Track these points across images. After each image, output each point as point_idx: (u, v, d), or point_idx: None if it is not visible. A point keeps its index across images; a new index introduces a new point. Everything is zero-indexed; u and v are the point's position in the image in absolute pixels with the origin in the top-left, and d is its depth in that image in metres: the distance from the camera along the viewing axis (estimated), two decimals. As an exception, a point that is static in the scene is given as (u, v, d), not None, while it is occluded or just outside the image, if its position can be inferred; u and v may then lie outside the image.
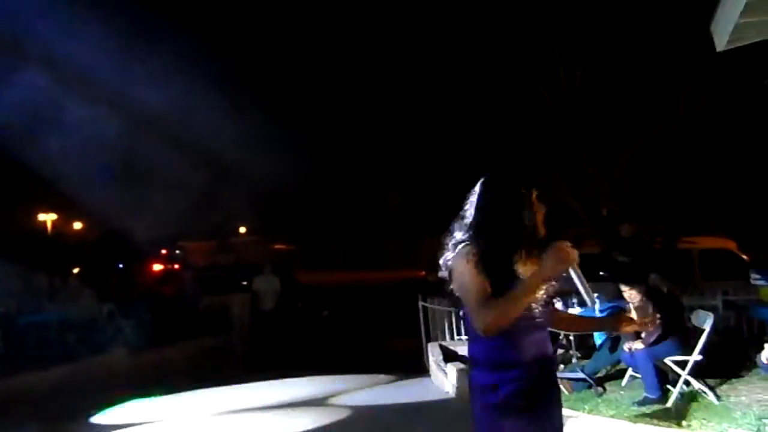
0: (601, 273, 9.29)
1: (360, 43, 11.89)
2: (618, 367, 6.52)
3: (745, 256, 9.80)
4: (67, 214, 28.34)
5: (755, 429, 4.47)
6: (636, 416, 5.10)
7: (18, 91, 11.40)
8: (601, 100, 9.69)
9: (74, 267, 14.16)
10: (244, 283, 13.00)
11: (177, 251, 31.18)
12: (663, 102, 9.60)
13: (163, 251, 28.51)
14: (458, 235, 2.16)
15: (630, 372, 6.06)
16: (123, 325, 10.22)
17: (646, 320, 2.43)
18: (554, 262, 2.02)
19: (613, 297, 7.17)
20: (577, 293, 2.15)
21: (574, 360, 6.70)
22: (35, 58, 11.64)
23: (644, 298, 5.73)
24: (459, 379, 6.49)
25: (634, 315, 2.48)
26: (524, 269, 2.11)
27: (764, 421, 4.63)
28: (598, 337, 6.16)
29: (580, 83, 9.78)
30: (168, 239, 29.60)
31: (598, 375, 6.31)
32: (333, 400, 6.85)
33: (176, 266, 26.81)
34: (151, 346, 10.05)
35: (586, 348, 6.89)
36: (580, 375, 6.14)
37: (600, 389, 5.93)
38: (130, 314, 10.45)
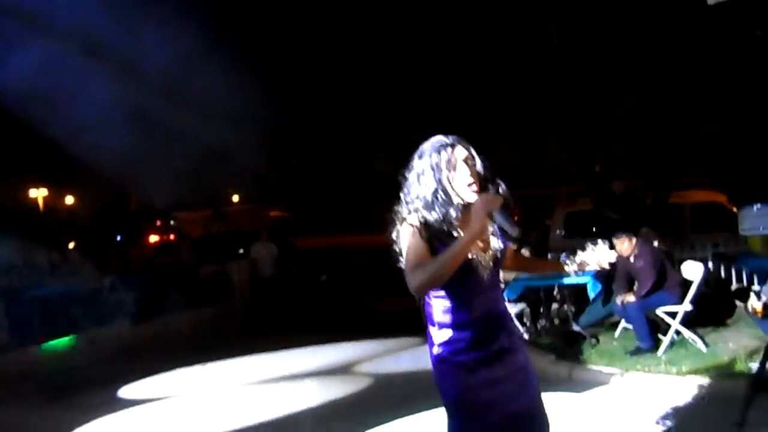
0: (594, 229, 9.46)
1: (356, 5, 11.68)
2: (611, 320, 6.74)
3: (735, 209, 9.96)
4: (57, 188, 28.22)
5: (743, 373, 4.68)
6: (628, 365, 5.31)
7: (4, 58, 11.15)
8: (594, 57, 9.67)
9: (71, 240, 14.20)
10: (241, 251, 13.13)
11: (171, 222, 31.21)
12: (655, 58, 9.59)
13: (158, 222, 28.51)
14: (401, 207, 2.25)
15: (623, 324, 6.26)
16: (125, 297, 10.35)
17: (601, 261, 2.48)
18: (476, 216, 2.07)
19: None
20: (505, 232, 2.22)
21: (568, 314, 6.89)
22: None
23: (636, 251, 5.88)
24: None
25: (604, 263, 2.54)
26: (461, 229, 2.18)
27: (750, 365, 4.84)
28: (592, 291, 6.34)
29: (572, 40, 9.74)
30: (162, 210, 29.59)
31: (592, 327, 6.53)
32: (355, 368, 6.69)
33: (171, 237, 26.93)
34: (153, 317, 10.19)
35: (580, 302, 7.08)
36: (575, 328, 6.35)
37: (594, 341, 6.13)
38: (131, 285, 10.57)
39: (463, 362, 2.17)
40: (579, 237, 9.26)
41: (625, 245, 5.91)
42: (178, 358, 7.32)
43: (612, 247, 6.54)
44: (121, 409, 5.69)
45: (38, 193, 27.33)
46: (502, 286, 2.42)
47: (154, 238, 27.19)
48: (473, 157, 2.24)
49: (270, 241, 12.10)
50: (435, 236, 2.13)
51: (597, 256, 2.49)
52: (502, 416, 2.19)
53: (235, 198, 35.90)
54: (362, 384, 6.01)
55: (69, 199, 29.95)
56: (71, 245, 13.71)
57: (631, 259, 5.91)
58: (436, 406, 3.63)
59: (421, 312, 2.31)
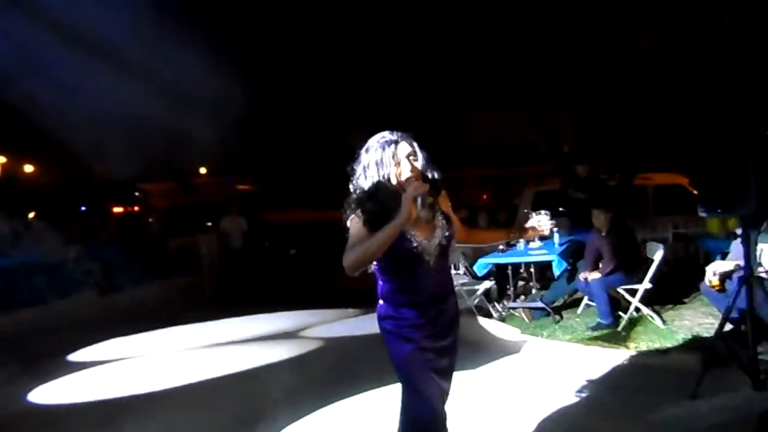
0: (560, 209, 9.68)
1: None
2: (574, 297, 6.97)
3: (695, 191, 10.29)
4: (16, 156, 27.34)
5: (697, 349, 4.91)
6: (589, 340, 5.52)
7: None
8: (567, 36, 9.77)
9: (33, 209, 13.86)
10: (209, 224, 13.02)
11: (137, 193, 30.60)
12: (627, 39, 9.74)
13: (124, 193, 27.91)
14: (350, 198, 2.47)
15: (585, 300, 6.48)
16: (91, 268, 10.19)
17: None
18: (403, 204, 2.30)
19: (570, 231, 7.55)
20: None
21: (533, 291, 7.09)
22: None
23: (610, 227, 6.14)
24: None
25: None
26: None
27: (704, 340, 5.09)
28: (557, 268, 6.52)
29: (546, 19, 9.82)
30: (126, 181, 28.94)
31: (556, 304, 6.74)
32: (304, 333, 7.13)
33: (136, 208, 26.43)
34: (120, 288, 10.09)
35: (545, 279, 7.29)
36: (539, 304, 6.54)
37: (557, 317, 6.34)
38: (97, 256, 10.42)
39: (407, 335, 2.48)
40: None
41: (601, 219, 6.15)
42: (141, 327, 7.51)
43: (573, 227, 6.85)
44: (71, 372, 5.89)
45: (-3, 160, 26.46)
46: (454, 269, 2.73)
47: (118, 209, 26.67)
48: (415, 153, 2.46)
49: (240, 215, 12.04)
50: (376, 224, 2.34)
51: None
52: (436, 370, 2.52)
53: (203, 170, 35.33)
54: (312, 346, 6.52)
55: (28, 168, 29.08)
56: (32, 214, 13.35)
57: (603, 233, 6.14)
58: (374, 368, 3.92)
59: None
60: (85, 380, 5.72)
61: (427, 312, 2.49)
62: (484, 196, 19.84)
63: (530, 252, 6.87)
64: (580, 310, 6.53)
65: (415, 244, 2.42)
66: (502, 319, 6.56)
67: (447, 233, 2.50)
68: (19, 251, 9.86)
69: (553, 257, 6.57)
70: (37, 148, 25.84)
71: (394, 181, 2.42)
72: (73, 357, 6.54)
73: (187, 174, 32.38)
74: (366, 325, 7.20)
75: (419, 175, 2.44)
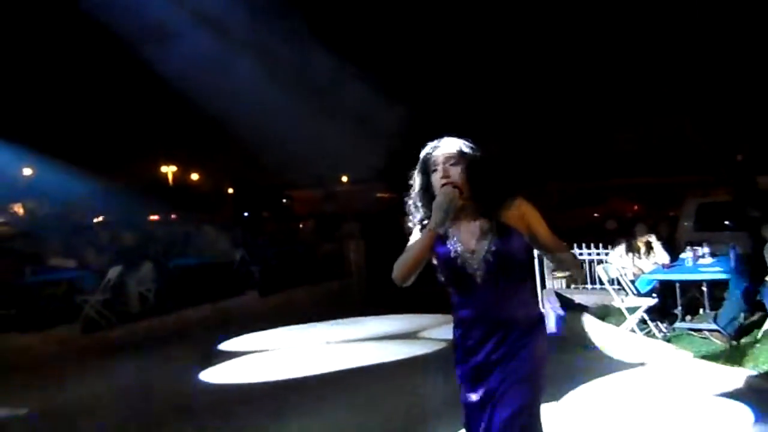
0: (726, 222, 8.85)
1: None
2: (752, 319, 6.32)
3: None
4: (185, 166, 30.32)
5: None
6: (775, 368, 4.99)
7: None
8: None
9: (205, 215, 15.29)
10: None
11: (284, 200, 32.59)
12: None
13: (284, 200, 29.91)
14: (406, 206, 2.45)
15: (766, 326, 5.86)
16: (252, 270, 11.05)
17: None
18: (434, 212, 2.24)
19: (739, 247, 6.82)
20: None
21: (705, 311, 6.55)
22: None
23: None
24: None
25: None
26: (455, 228, 2.32)
27: None
28: (736, 288, 5.98)
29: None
30: (277, 188, 30.96)
31: (730, 327, 6.15)
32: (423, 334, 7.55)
33: (285, 214, 28.18)
34: (278, 290, 10.79)
35: (716, 299, 6.70)
36: (712, 326, 6.03)
37: (733, 342, 5.80)
38: (258, 260, 11.27)
39: (466, 346, 2.33)
40: (712, 230, 8.73)
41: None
42: (285, 323, 8.38)
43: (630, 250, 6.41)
44: (224, 360, 6.74)
45: (168, 169, 29.57)
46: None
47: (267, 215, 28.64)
48: (454, 158, 2.31)
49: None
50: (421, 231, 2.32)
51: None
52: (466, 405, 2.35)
53: (344, 178, 36.78)
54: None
55: (194, 176, 32.15)
56: (206, 219, 14.76)
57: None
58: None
59: None
60: (248, 365, 6.59)
61: (470, 332, 2.30)
62: (635, 207, 18.67)
63: (702, 269, 6.37)
64: (760, 334, 5.92)
65: (453, 254, 2.29)
66: (667, 340, 6.13)
67: (494, 248, 2.25)
68: (192, 253, 10.94)
69: (727, 275, 6.02)
70: (203, 158, 28.57)
71: (436, 187, 2.32)
72: (223, 346, 7.40)
73: (328, 182, 33.97)
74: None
75: (458, 181, 2.28)
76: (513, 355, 2.25)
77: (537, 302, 2.42)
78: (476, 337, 2.29)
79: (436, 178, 2.31)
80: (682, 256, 7.01)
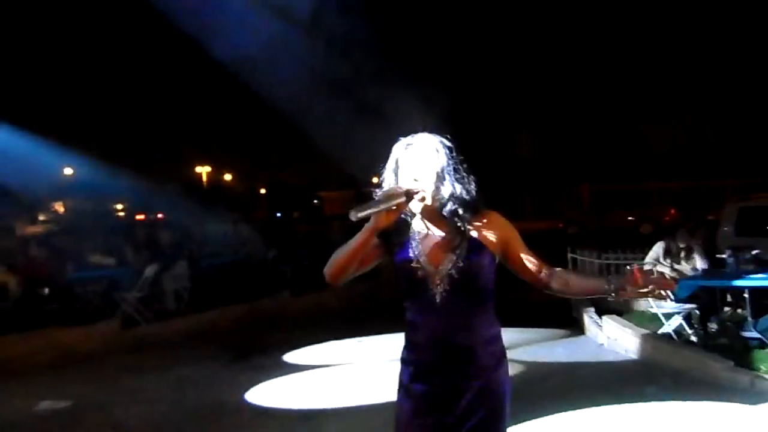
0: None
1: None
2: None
3: None
4: (218, 166, 30.85)
5: None
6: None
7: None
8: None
9: (240, 214, 15.51)
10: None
11: (315, 201, 32.88)
12: None
13: (315, 201, 30.15)
14: None
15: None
16: (285, 270, 11.16)
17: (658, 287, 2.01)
18: (372, 200, 1.99)
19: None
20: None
21: (747, 319, 6.38)
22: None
23: None
24: (614, 332, 6.67)
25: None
26: (418, 226, 2.10)
27: None
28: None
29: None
30: (308, 189, 31.28)
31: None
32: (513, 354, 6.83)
33: (316, 214, 28.42)
34: (308, 290, 10.85)
35: (760, 307, 6.51)
36: (754, 333, 5.88)
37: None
38: (289, 260, 11.38)
39: (403, 382, 2.09)
40: (753, 235, 8.49)
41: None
42: (333, 330, 7.93)
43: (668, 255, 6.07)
44: (287, 373, 6.35)
45: (202, 170, 30.14)
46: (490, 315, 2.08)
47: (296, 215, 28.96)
48: (426, 159, 2.06)
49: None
50: (383, 235, 2.04)
51: (656, 283, 2.02)
52: None
53: (375, 179, 36.86)
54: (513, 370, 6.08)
55: (227, 177, 32.69)
56: (239, 219, 14.98)
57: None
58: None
59: None
60: (291, 383, 6.08)
61: (420, 359, 2.04)
62: (672, 211, 18.29)
63: (746, 276, 6.20)
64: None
65: (415, 265, 2.03)
66: (705, 347, 5.99)
67: (461, 264, 2.00)
68: (227, 252, 11.11)
69: (772, 282, 5.86)
70: (235, 159, 29.04)
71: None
72: (287, 357, 7.02)
73: (359, 183, 34.07)
74: (570, 351, 6.85)
75: (424, 188, 2.02)
76: (471, 414, 1.99)
77: (499, 332, 2.11)
78: (427, 370, 2.04)
79: (405, 180, 2.05)
80: (725, 260, 6.83)
